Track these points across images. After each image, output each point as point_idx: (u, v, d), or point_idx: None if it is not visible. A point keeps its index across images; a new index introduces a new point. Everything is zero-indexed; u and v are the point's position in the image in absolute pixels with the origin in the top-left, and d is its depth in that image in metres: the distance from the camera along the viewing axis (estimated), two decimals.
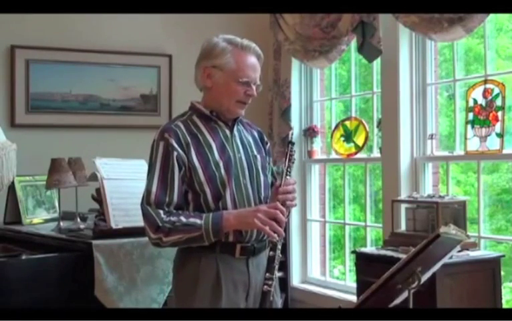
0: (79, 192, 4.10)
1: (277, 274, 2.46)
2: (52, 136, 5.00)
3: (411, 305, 2.40)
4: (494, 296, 3.71)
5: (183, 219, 2.37)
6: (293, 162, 2.55)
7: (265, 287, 2.39)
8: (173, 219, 2.37)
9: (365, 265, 4.03)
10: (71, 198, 4.12)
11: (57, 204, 4.39)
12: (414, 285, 2.38)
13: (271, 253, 2.42)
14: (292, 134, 2.62)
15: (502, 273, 3.80)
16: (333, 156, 5.27)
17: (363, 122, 4.99)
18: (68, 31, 5.07)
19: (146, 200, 2.41)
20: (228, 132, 2.53)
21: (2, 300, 3.22)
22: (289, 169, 2.52)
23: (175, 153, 2.40)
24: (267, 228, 2.37)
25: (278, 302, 2.58)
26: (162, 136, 2.44)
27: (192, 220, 2.38)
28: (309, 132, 5.42)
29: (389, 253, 3.91)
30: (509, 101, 4.01)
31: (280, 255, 2.44)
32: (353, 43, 4.74)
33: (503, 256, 3.83)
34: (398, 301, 2.48)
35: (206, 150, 2.45)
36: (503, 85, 3.95)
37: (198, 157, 2.43)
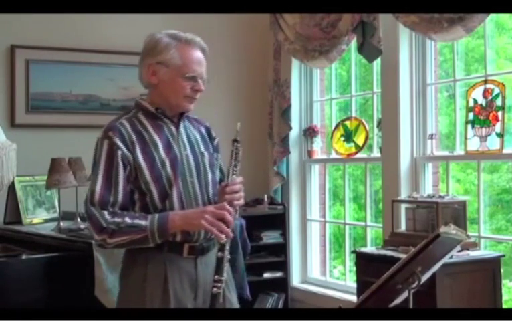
0: (79, 192, 4.10)
1: (226, 275, 2.38)
2: (52, 136, 5.00)
3: (411, 305, 2.40)
4: (494, 296, 3.71)
5: (128, 220, 2.31)
6: (238, 161, 2.47)
7: (214, 289, 2.34)
8: (118, 220, 2.31)
9: (365, 265, 4.03)
10: (71, 198, 4.12)
11: (57, 204, 4.39)
12: (414, 285, 2.38)
13: (219, 254, 2.36)
14: (237, 132, 2.51)
15: (502, 273, 3.80)
16: (333, 156, 5.27)
17: (363, 122, 4.99)
18: (68, 31, 5.07)
19: (89, 201, 2.33)
20: (174, 129, 2.47)
21: (2, 300, 3.22)
22: (235, 168, 2.46)
23: (119, 152, 2.34)
24: (215, 229, 2.33)
25: (233, 299, 2.53)
26: (106, 135, 2.37)
27: (137, 221, 2.32)
28: (309, 132, 5.42)
29: (389, 253, 3.91)
30: (509, 101, 4.01)
31: (228, 256, 2.38)
32: (353, 43, 4.74)
33: (503, 256, 3.83)
34: (398, 301, 2.48)
35: (151, 148, 2.39)
36: (503, 85, 3.95)
37: (144, 156, 2.37)
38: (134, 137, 2.38)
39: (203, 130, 2.60)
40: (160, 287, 2.37)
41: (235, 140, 2.50)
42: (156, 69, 2.44)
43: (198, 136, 2.55)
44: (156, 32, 2.49)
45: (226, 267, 2.37)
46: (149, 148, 2.39)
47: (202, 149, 2.52)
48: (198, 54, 2.48)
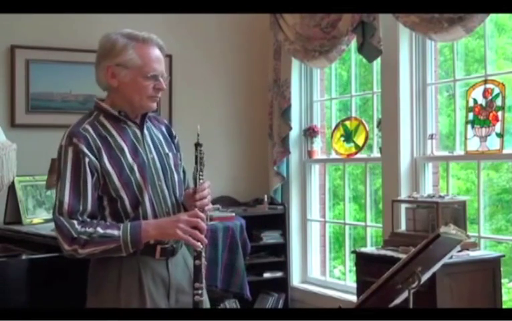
0: None
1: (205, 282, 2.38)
2: (52, 136, 4.95)
3: (411, 305, 2.40)
4: (494, 296, 3.71)
5: (100, 230, 2.27)
6: (203, 165, 2.44)
7: (196, 297, 2.33)
8: (89, 230, 2.26)
9: (365, 265, 4.03)
10: None
11: None
12: (414, 285, 2.37)
13: (197, 261, 2.35)
14: (198, 136, 2.46)
15: (502, 273, 3.80)
16: (333, 156, 5.27)
17: (363, 122, 4.99)
18: (68, 31, 5.07)
19: (58, 211, 2.28)
20: (138, 132, 2.42)
21: (2, 300, 3.22)
22: (200, 173, 2.42)
23: (86, 159, 2.28)
24: (190, 238, 2.31)
25: (207, 303, 2.51)
26: (71, 141, 2.30)
27: (109, 231, 2.28)
28: (309, 132, 5.42)
29: (389, 253, 3.91)
30: (509, 101, 4.01)
31: (205, 263, 2.38)
32: (353, 43, 4.74)
33: (503, 256, 3.83)
34: (398, 301, 2.48)
35: (118, 153, 2.34)
36: (503, 85, 3.95)
37: (111, 162, 2.32)
38: (99, 143, 2.32)
39: (164, 129, 2.56)
40: (135, 289, 2.36)
41: (198, 144, 2.45)
42: (115, 71, 2.37)
43: (161, 137, 2.51)
44: (111, 32, 2.42)
45: (204, 274, 2.36)
46: (115, 154, 2.34)
47: (167, 150, 2.49)
48: (156, 52, 2.42)
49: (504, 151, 3.93)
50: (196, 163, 2.43)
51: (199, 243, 2.33)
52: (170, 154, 2.49)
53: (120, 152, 2.35)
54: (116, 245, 2.28)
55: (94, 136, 2.33)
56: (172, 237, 2.35)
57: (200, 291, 2.34)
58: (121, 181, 2.33)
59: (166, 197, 2.43)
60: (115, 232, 2.28)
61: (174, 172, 2.48)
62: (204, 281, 2.35)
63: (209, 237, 2.50)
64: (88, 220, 2.30)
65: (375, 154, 4.82)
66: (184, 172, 2.60)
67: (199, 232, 2.33)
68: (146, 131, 2.45)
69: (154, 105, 2.45)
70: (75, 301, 3.36)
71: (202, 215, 2.36)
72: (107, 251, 2.30)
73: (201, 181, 2.42)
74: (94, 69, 2.44)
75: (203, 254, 2.36)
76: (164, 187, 2.43)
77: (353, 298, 4.54)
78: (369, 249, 4.45)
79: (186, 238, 2.32)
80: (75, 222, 2.27)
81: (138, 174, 2.35)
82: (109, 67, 2.38)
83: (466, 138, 4.11)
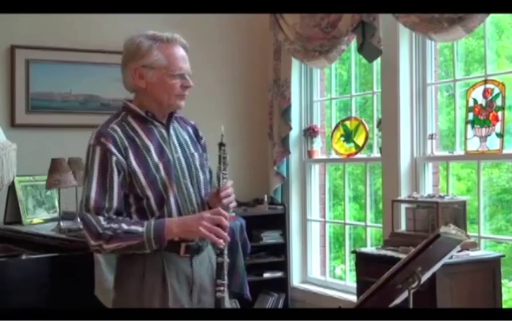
0: (79, 192, 4.09)
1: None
2: (52, 136, 4.99)
3: (411, 305, 2.40)
4: (494, 296, 3.71)
5: (124, 226, 2.31)
6: (227, 164, 2.48)
7: (218, 294, 2.36)
8: (114, 225, 2.30)
9: (365, 265, 4.03)
10: (71, 198, 4.12)
11: (57, 204, 4.39)
12: (414, 285, 2.37)
13: (219, 259, 2.38)
14: (222, 136, 2.50)
15: (502, 273, 3.80)
16: (333, 156, 5.27)
17: (363, 121, 4.99)
18: (68, 31, 5.07)
19: (84, 207, 2.33)
20: (164, 132, 2.47)
21: (2, 300, 3.22)
22: (224, 172, 2.46)
23: (114, 158, 2.34)
24: (213, 235, 2.34)
25: (227, 301, 2.54)
26: (99, 141, 2.37)
27: (133, 227, 2.32)
28: (309, 132, 5.42)
29: (389, 253, 3.91)
30: (509, 101, 4.01)
31: (228, 260, 2.40)
32: (353, 43, 4.74)
33: (503, 256, 3.83)
34: (398, 301, 2.48)
35: (144, 153, 2.39)
36: (503, 85, 3.95)
37: (137, 161, 2.37)
38: (126, 142, 2.37)
39: (190, 130, 2.60)
40: (158, 284, 2.39)
41: (221, 144, 2.49)
42: (142, 72, 2.41)
43: (186, 137, 2.55)
44: (134, 35, 2.45)
45: (226, 271, 2.38)
46: (142, 153, 2.39)
47: (192, 150, 2.53)
48: (181, 51, 2.47)
49: (504, 151, 3.93)
50: (219, 162, 2.47)
51: (221, 241, 2.36)
52: (196, 154, 2.53)
53: (146, 151, 2.40)
54: (140, 241, 2.31)
55: (121, 135, 2.38)
56: (196, 234, 2.38)
57: (222, 288, 2.36)
58: (147, 180, 2.37)
59: (192, 196, 2.46)
60: (140, 228, 2.32)
61: (200, 172, 2.52)
62: (226, 278, 2.38)
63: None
64: (114, 217, 2.33)
65: (375, 154, 4.82)
66: (210, 172, 2.63)
67: (222, 230, 2.35)
68: (172, 131, 2.50)
69: (182, 103, 2.49)
70: (75, 301, 3.37)
71: (225, 212, 2.38)
72: (131, 247, 2.33)
73: (224, 180, 2.45)
74: (120, 72, 2.48)
75: (225, 252, 2.38)
76: (190, 186, 2.46)
77: (353, 298, 4.54)
78: (369, 249, 4.45)
79: (208, 235, 2.34)
80: (101, 218, 2.31)
81: (163, 173, 2.39)
82: (136, 69, 2.42)
83: (466, 138, 4.11)
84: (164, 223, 2.34)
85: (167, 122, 2.49)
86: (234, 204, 2.48)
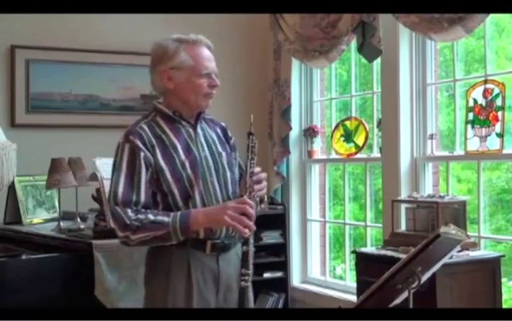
0: (79, 192, 4.10)
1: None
2: (52, 136, 5.00)
3: (411, 305, 2.40)
4: (494, 296, 3.71)
5: (151, 216, 2.37)
6: (255, 153, 2.53)
7: (242, 283, 2.41)
8: (141, 216, 2.36)
9: (365, 265, 4.03)
10: (71, 198, 4.12)
11: (57, 204, 4.40)
12: (414, 285, 2.38)
13: (244, 247, 2.43)
14: (251, 124, 2.59)
15: (502, 272, 3.80)
16: (333, 156, 5.27)
17: (363, 121, 4.99)
18: (68, 31, 5.07)
19: (113, 201, 2.40)
20: (192, 131, 2.53)
21: (2, 300, 3.23)
22: (252, 161, 2.51)
23: (142, 154, 2.41)
24: (238, 224, 2.37)
25: (251, 299, 2.55)
26: (127, 139, 2.45)
27: (160, 218, 2.37)
28: (309, 132, 5.42)
29: (389, 253, 3.91)
30: (509, 101, 4.01)
31: (253, 249, 2.44)
32: (353, 43, 4.74)
33: (503, 256, 3.83)
34: (398, 301, 2.48)
35: (171, 151, 2.45)
36: (503, 85, 3.95)
37: (164, 159, 2.43)
38: (153, 141, 2.45)
39: (219, 130, 2.66)
40: (183, 279, 2.44)
41: (250, 133, 2.57)
42: (170, 74, 2.49)
43: (215, 137, 2.60)
44: (160, 39, 2.54)
45: (252, 261, 2.42)
46: (169, 151, 2.45)
47: (220, 149, 2.58)
48: (206, 51, 2.55)
49: (504, 151, 3.93)
50: (247, 151, 2.52)
51: (247, 230, 2.39)
52: (224, 153, 2.58)
53: (173, 149, 2.46)
54: (166, 231, 2.36)
55: (149, 134, 2.46)
56: (221, 223, 2.42)
57: (246, 278, 2.41)
58: (173, 177, 2.43)
59: (217, 193, 2.51)
60: (166, 219, 2.37)
61: (227, 170, 2.57)
62: (251, 267, 2.42)
63: None
64: (142, 209, 2.39)
65: (375, 154, 4.82)
66: (240, 168, 2.67)
67: (247, 218, 2.38)
68: (199, 130, 2.56)
69: (208, 103, 2.55)
70: (75, 301, 3.37)
71: (250, 201, 2.42)
72: (157, 238, 2.38)
73: (252, 169, 2.49)
74: (149, 75, 2.55)
75: (251, 240, 2.43)
76: (216, 184, 2.51)
77: (353, 298, 4.54)
78: (369, 249, 4.45)
79: (233, 224, 2.38)
80: (128, 210, 2.37)
81: (189, 170, 2.45)
82: (164, 71, 2.49)
83: (466, 138, 4.11)
84: (189, 213, 2.40)
85: (195, 121, 2.55)
86: (263, 192, 2.52)
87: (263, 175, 2.52)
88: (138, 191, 2.39)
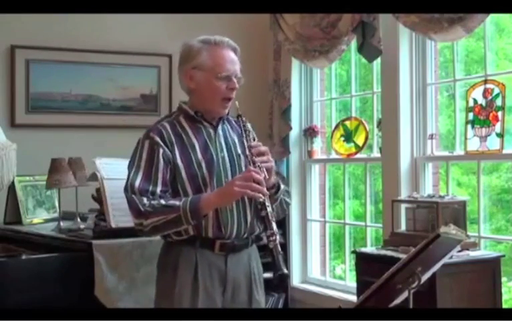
0: (79, 192, 4.10)
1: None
2: (52, 136, 4.99)
3: (411, 305, 2.40)
4: (494, 296, 3.71)
5: (163, 201, 2.42)
6: (249, 130, 2.58)
7: (270, 243, 2.41)
8: (154, 202, 2.41)
9: (365, 265, 4.03)
10: (71, 198, 4.12)
11: (57, 204, 4.39)
12: (414, 285, 2.38)
13: (263, 212, 2.44)
14: (237, 109, 2.61)
15: (502, 272, 3.80)
16: (333, 156, 5.27)
17: (363, 121, 4.99)
18: (68, 31, 5.07)
19: (130, 190, 2.45)
20: (212, 131, 2.57)
21: (2, 300, 3.22)
22: (247, 138, 2.55)
23: (161, 150, 2.47)
24: (249, 190, 2.39)
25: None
26: (148, 135, 2.51)
27: (171, 202, 2.42)
28: (309, 132, 5.42)
29: (389, 253, 3.91)
30: (509, 101, 4.01)
31: (272, 211, 2.46)
32: (353, 43, 4.74)
33: (503, 256, 3.83)
34: (398, 301, 2.48)
35: (189, 150, 2.50)
36: (503, 85, 3.95)
37: (182, 157, 2.48)
38: (173, 138, 2.50)
39: (238, 126, 2.66)
40: (190, 276, 2.47)
41: (239, 115, 2.60)
42: (192, 74, 2.55)
43: (236, 139, 2.62)
44: (188, 40, 2.61)
45: (274, 221, 2.43)
46: (187, 150, 2.50)
47: (240, 151, 2.59)
48: (228, 53, 2.59)
49: (504, 151, 3.93)
50: (241, 131, 2.58)
51: (259, 194, 2.41)
52: (243, 156, 2.59)
53: (191, 148, 2.51)
54: (177, 214, 2.40)
55: (170, 132, 2.52)
56: (232, 195, 2.43)
57: (273, 238, 2.41)
58: (188, 175, 2.48)
59: None
60: (177, 202, 2.41)
61: None
62: (275, 227, 2.43)
63: None
64: (158, 197, 2.44)
65: (376, 154, 4.82)
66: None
67: (257, 184, 2.40)
68: (220, 131, 2.59)
69: (225, 111, 2.59)
70: (75, 301, 3.37)
71: (254, 169, 2.44)
72: (169, 222, 2.41)
73: (251, 143, 2.53)
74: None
75: (267, 203, 2.44)
76: None
77: (353, 298, 4.54)
78: (369, 249, 4.45)
79: (244, 191, 2.40)
80: (144, 198, 2.42)
81: (205, 170, 2.49)
82: (187, 70, 2.56)
83: (466, 138, 4.11)
84: (200, 196, 2.43)
85: (217, 122, 2.58)
86: (269, 164, 2.53)
87: (263, 148, 2.54)
88: (155, 183, 2.44)
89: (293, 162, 5.49)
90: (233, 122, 2.67)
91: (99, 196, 3.66)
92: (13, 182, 4.16)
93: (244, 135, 2.56)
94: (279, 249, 2.41)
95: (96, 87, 5.19)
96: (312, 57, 5.00)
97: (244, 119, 2.60)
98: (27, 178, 4.51)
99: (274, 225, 2.44)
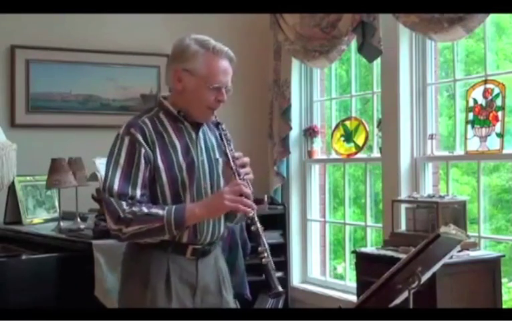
0: (79, 192, 4.10)
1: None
2: (52, 136, 5.00)
3: (411, 305, 2.40)
4: (494, 296, 3.71)
5: (145, 209, 2.31)
6: (230, 140, 2.50)
7: (263, 260, 2.38)
8: (135, 209, 2.30)
9: (365, 265, 4.03)
10: (71, 198, 4.12)
11: (57, 204, 4.39)
12: (414, 285, 2.37)
13: (253, 227, 2.39)
14: (215, 117, 2.51)
15: (502, 273, 3.80)
16: (333, 156, 5.27)
17: (363, 122, 4.99)
18: (68, 31, 5.07)
19: (108, 192, 2.33)
20: (193, 133, 2.48)
21: (2, 300, 3.22)
22: (228, 147, 2.47)
23: (142, 149, 2.35)
24: (240, 205, 2.35)
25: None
26: (128, 131, 2.38)
27: (154, 210, 2.31)
28: (309, 132, 5.42)
29: (389, 253, 3.91)
30: (509, 101, 4.01)
31: (261, 226, 2.41)
32: (353, 43, 4.74)
33: (503, 256, 3.83)
34: (398, 301, 2.48)
35: (170, 150, 2.40)
36: (503, 85, 3.95)
37: (163, 158, 2.38)
38: (154, 137, 2.39)
39: (218, 134, 2.59)
40: (162, 283, 2.39)
41: (218, 123, 2.52)
42: (181, 76, 2.43)
43: (214, 142, 2.55)
44: (185, 36, 2.48)
45: (264, 238, 2.38)
46: (168, 151, 2.40)
47: (217, 155, 2.53)
48: (224, 64, 2.46)
49: (504, 151, 3.93)
50: (222, 140, 2.49)
51: (249, 209, 2.37)
52: (220, 160, 2.53)
53: (173, 149, 2.41)
54: (160, 224, 2.31)
55: (151, 130, 2.39)
56: (222, 209, 2.39)
57: (265, 254, 2.37)
58: (168, 177, 2.38)
59: None
60: (160, 211, 2.32)
61: (221, 178, 2.53)
62: (266, 243, 2.38)
63: None
64: (137, 203, 2.33)
65: (376, 154, 4.82)
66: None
67: (246, 198, 2.36)
68: (201, 134, 2.50)
69: (210, 118, 2.50)
70: (75, 301, 3.37)
71: (242, 182, 2.39)
72: (150, 231, 2.32)
73: (232, 153, 2.46)
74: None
75: (256, 219, 2.39)
76: (209, 191, 2.47)
77: (353, 298, 4.54)
78: (370, 249, 4.44)
79: (235, 206, 2.35)
80: (123, 203, 2.31)
81: (185, 174, 2.41)
82: (177, 70, 2.43)
83: (466, 138, 4.11)
84: (184, 207, 2.35)
85: (197, 124, 2.49)
86: (250, 176, 2.48)
87: (246, 159, 2.48)
88: (135, 186, 2.33)
89: (293, 162, 5.49)
90: (210, 124, 2.58)
91: (99, 196, 3.66)
92: (13, 182, 4.16)
93: (226, 145, 2.47)
94: (273, 265, 2.39)
95: (96, 87, 5.19)
96: (312, 57, 5.00)
97: (223, 127, 2.51)
98: (27, 178, 4.51)
99: (265, 240, 2.38)
